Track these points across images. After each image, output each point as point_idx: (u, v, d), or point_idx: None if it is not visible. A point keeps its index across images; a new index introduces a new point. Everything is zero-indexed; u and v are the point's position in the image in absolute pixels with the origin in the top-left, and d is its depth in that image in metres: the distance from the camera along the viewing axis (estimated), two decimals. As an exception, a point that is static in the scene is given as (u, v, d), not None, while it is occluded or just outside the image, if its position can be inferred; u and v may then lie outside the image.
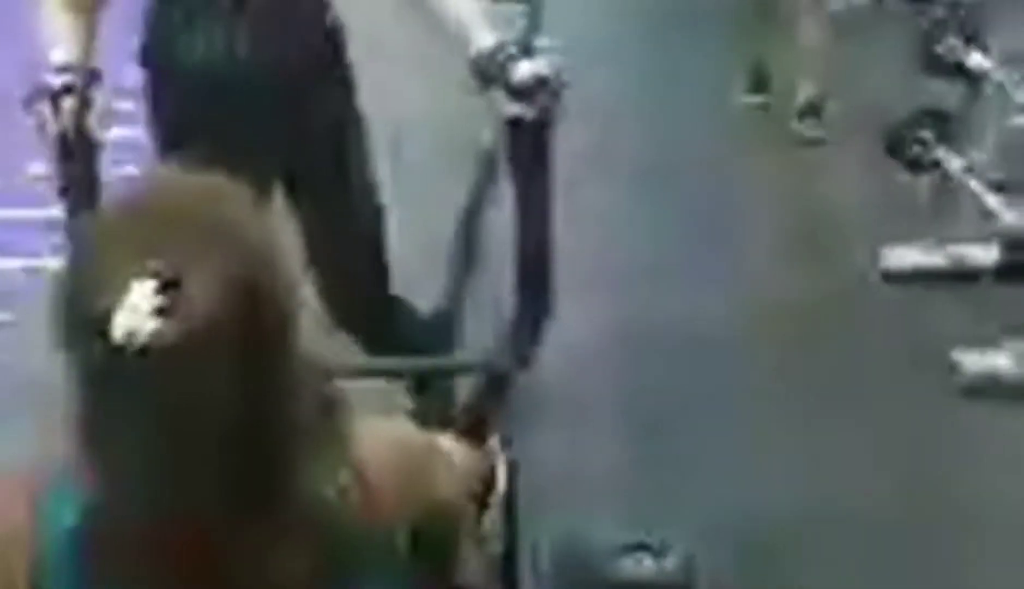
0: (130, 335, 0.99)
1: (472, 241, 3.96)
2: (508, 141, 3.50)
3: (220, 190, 1.10)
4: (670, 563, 1.32)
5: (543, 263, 3.46)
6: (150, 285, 1.00)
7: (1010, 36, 4.54)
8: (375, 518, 1.20)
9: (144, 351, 0.99)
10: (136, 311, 0.99)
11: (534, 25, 3.90)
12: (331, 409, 1.26)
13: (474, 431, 2.46)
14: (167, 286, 1.00)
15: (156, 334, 0.99)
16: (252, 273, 1.05)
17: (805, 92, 5.77)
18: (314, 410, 1.14)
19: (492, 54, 2.59)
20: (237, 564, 1.10)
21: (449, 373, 2.41)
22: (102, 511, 1.09)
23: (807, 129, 5.75)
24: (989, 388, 3.87)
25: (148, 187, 1.14)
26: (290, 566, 1.12)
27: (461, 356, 2.85)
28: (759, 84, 6.07)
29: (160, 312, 1.00)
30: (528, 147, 3.44)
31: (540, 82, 2.66)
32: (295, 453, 1.11)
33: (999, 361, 3.94)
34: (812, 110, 5.77)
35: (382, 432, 1.29)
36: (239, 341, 1.03)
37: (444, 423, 2.21)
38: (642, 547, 1.36)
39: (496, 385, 2.30)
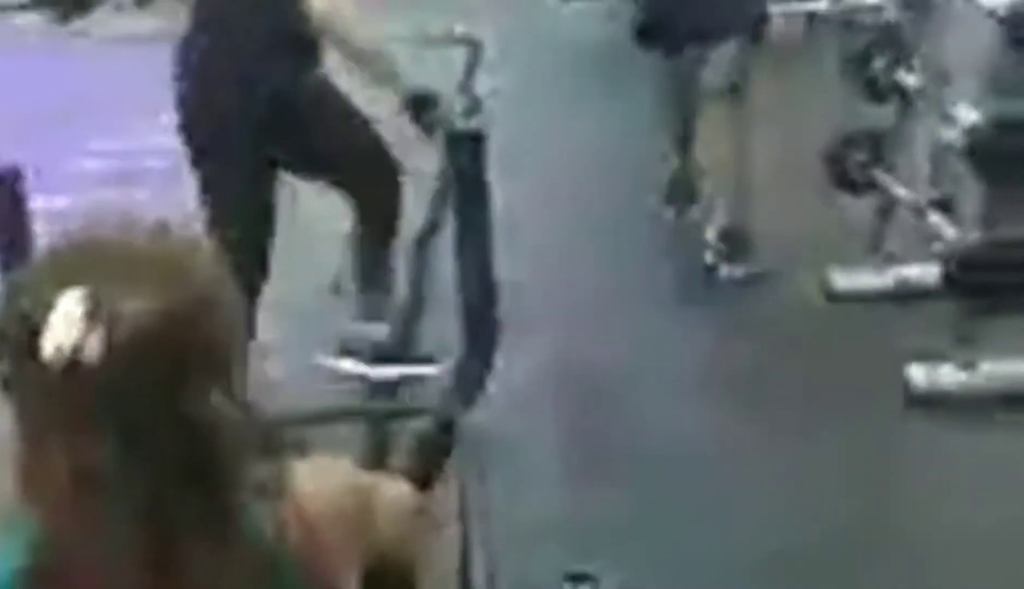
0: (57, 349, 1.02)
1: (420, 279, 4.00)
2: (453, 197, 3.59)
3: (164, 231, 1.12)
4: (608, 592, 1.34)
5: (487, 312, 3.51)
6: (77, 298, 1.03)
7: (937, 53, 4.62)
8: (319, 559, 1.20)
9: (72, 365, 1.01)
10: (63, 327, 1.02)
11: (472, 67, 3.96)
12: (272, 450, 1.28)
13: (423, 475, 2.45)
14: (94, 303, 1.03)
15: (81, 346, 1.02)
16: (183, 303, 1.07)
17: None
18: (251, 447, 1.14)
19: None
20: None
21: (396, 417, 2.40)
22: (45, 547, 1.09)
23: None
24: (939, 401, 3.91)
25: (94, 229, 1.15)
26: None
27: (408, 400, 2.86)
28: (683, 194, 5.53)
29: (86, 326, 1.02)
30: (470, 201, 3.53)
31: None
32: (228, 485, 1.10)
33: (947, 375, 3.98)
34: None
35: (326, 474, 1.29)
36: (166, 362, 1.05)
37: (391, 467, 2.21)
38: (581, 577, 1.37)
39: (443, 429, 2.29)
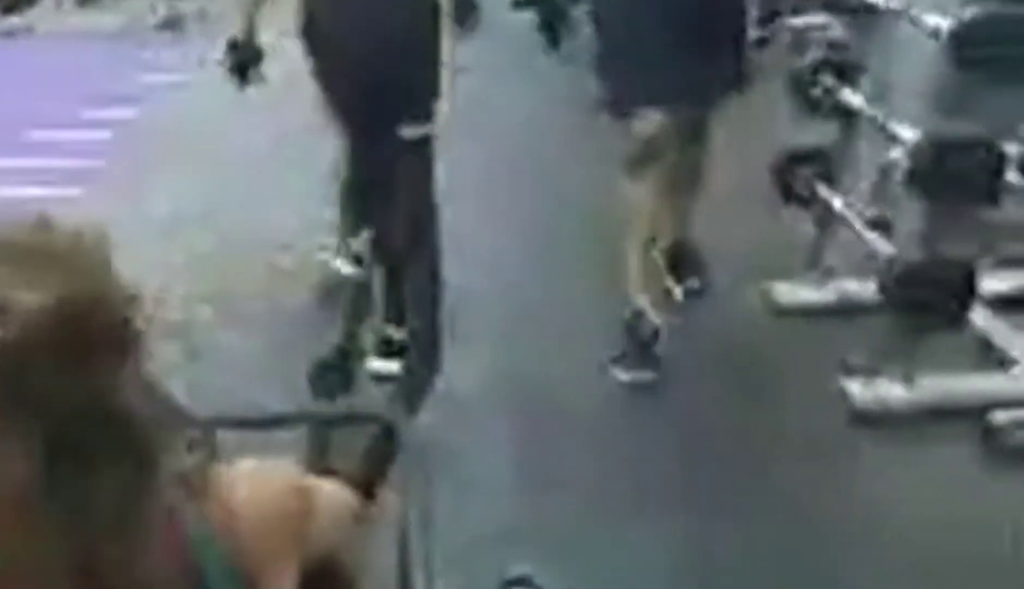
0: None
1: (369, 287, 4.01)
2: (401, 202, 3.61)
3: (53, 223, 1.10)
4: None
5: (432, 318, 3.51)
6: None
7: (882, 72, 4.68)
8: (256, 562, 1.19)
9: None
10: None
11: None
12: (202, 448, 1.27)
13: (366, 481, 2.45)
14: None
15: None
16: (73, 295, 1.04)
17: None
18: (170, 440, 1.11)
19: None
20: None
21: (339, 423, 2.39)
22: None
23: None
24: (877, 414, 3.97)
25: None
26: None
27: (351, 406, 2.85)
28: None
29: None
30: (418, 205, 3.55)
31: None
32: (144, 482, 1.07)
33: (884, 388, 4.04)
34: None
35: (268, 476, 1.28)
36: (64, 356, 1.02)
37: (334, 473, 2.21)
38: (522, 582, 1.38)
39: (387, 435, 2.29)
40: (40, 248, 1.08)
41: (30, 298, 1.02)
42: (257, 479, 1.24)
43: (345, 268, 3.93)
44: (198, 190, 6.11)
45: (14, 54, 10.14)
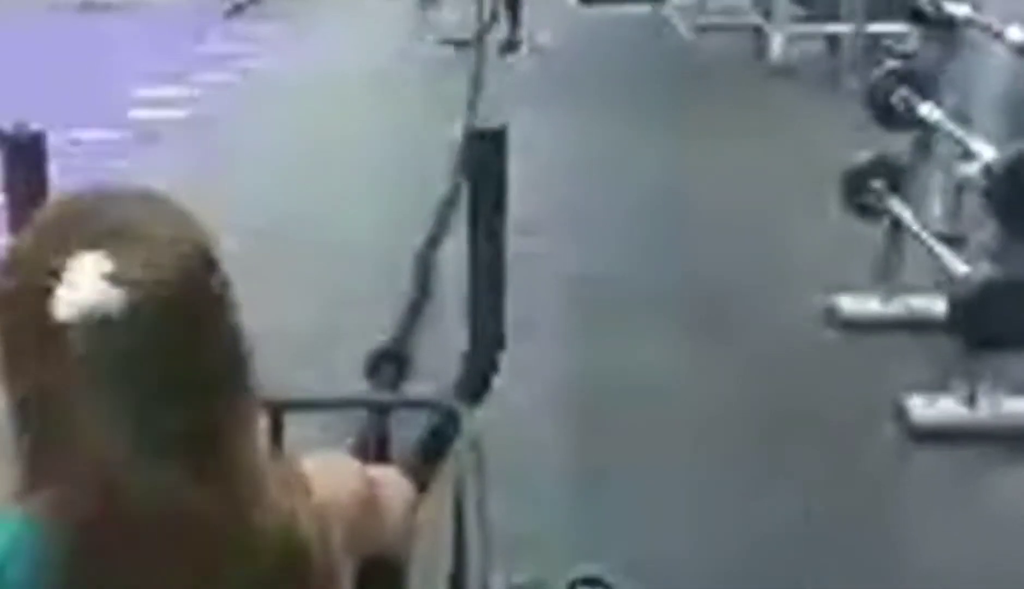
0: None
1: (427, 276, 4.02)
2: (469, 194, 3.59)
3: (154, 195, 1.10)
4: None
5: (495, 301, 3.49)
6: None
7: (959, 86, 4.60)
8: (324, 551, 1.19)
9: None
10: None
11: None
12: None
13: (421, 469, 2.44)
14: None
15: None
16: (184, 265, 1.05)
17: None
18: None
19: None
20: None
21: (399, 408, 2.39)
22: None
23: None
24: (939, 433, 3.90)
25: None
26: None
27: (413, 391, 2.83)
28: None
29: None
30: (487, 198, 3.52)
31: None
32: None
33: (948, 409, 3.97)
34: None
35: (334, 473, 1.28)
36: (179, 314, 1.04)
37: (390, 460, 2.20)
38: (593, 582, 1.36)
39: (445, 423, 2.27)
40: (147, 220, 1.08)
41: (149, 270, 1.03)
42: (323, 478, 1.24)
43: None
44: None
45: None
